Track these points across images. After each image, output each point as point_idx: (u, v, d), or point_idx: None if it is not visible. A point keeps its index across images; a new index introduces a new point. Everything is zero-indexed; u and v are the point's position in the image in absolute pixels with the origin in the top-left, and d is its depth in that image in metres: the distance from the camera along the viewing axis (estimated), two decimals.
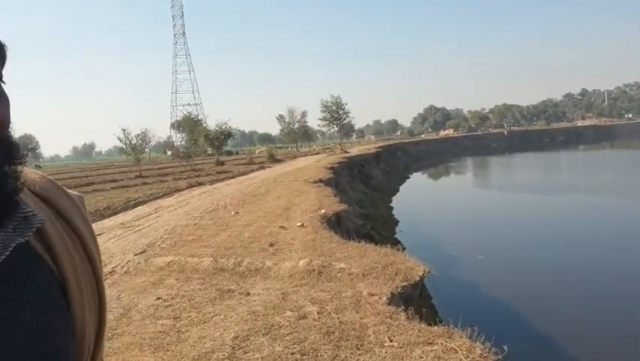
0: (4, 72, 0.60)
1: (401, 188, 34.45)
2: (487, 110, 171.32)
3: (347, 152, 44.74)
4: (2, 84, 0.60)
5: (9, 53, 0.59)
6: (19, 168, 0.61)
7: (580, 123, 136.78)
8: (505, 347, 3.65)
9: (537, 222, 19.03)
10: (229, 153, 69.02)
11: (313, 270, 5.66)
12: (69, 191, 0.74)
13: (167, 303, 5.13)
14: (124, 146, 35.58)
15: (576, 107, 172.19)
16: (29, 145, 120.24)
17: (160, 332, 4.29)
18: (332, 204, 11.42)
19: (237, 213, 11.10)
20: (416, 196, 31.43)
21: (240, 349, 3.78)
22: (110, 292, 5.47)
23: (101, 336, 0.70)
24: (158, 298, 5.32)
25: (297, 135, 76.05)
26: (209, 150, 55.47)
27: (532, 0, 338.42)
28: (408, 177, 43.12)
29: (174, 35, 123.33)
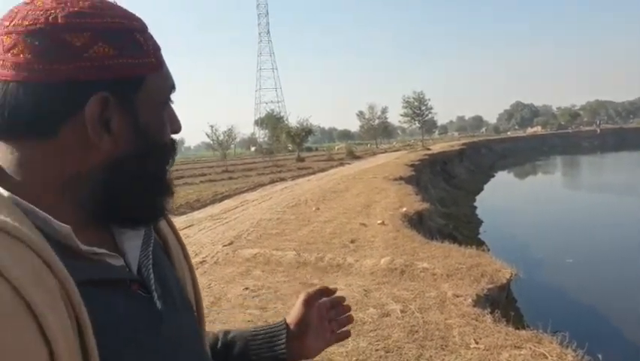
0: None
1: (485, 187, 33.37)
2: (577, 107, 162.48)
3: (429, 149, 44.00)
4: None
5: None
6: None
7: None
8: (600, 356, 3.50)
9: (632, 227, 17.81)
10: (309, 149, 69.98)
11: (395, 268, 5.66)
12: None
13: (254, 293, 5.34)
14: (211, 142, 37.01)
15: None
16: None
17: (248, 321, 4.48)
18: (413, 202, 11.31)
19: (318, 208, 11.27)
20: (501, 196, 30.33)
21: None
22: (201, 281, 5.77)
23: (197, 288, 0.84)
24: (246, 289, 5.54)
25: (377, 132, 75.71)
26: (290, 147, 56.55)
27: None
28: (493, 176, 41.69)
29: (259, 34, 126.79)
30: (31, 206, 0.57)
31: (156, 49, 0.66)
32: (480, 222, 19.61)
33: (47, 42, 0.57)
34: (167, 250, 0.80)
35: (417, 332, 3.93)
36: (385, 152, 51.27)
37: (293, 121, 49.55)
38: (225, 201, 15.60)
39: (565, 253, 13.88)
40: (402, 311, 4.37)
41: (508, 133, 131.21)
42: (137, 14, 0.66)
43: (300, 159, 40.32)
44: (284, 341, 0.93)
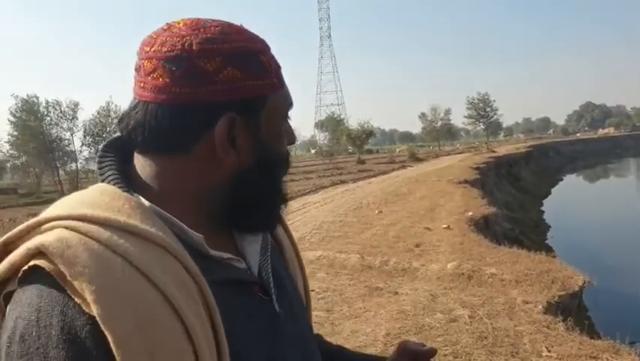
0: None
1: (553, 190, 32.14)
2: None
3: (494, 151, 42.84)
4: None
5: None
6: None
7: None
8: None
9: None
10: (369, 151, 69.71)
11: (462, 273, 5.60)
12: None
13: (320, 296, 5.43)
14: None
15: None
16: None
17: (315, 323, 4.54)
18: (479, 206, 11.09)
19: (380, 212, 11.26)
20: (570, 200, 29.11)
21: (392, 346, 3.90)
22: None
23: (307, 288, 0.92)
24: (312, 290, 5.63)
25: (440, 134, 74.33)
26: (350, 149, 56.57)
27: None
28: (561, 179, 40.08)
29: (320, 38, 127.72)
30: (170, 215, 0.65)
31: (277, 68, 0.72)
32: (547, 227, 18.93)
33: (183, 67, 0.64)
34: (282, 251, 0.87)
35: (486, 338, 3.88)
36: (449, 154, 50.34)
37: (353, 123, 49.44)
38: (287, 203, 15.78)
39: (636, 262, 13.17)
40: (470, 317, 4.33)
41: (578, 135, 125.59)
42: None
43: (361, 162, 40.27)
44: None
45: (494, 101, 58.00)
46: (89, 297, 0.52)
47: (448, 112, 72.48)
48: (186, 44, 0.65)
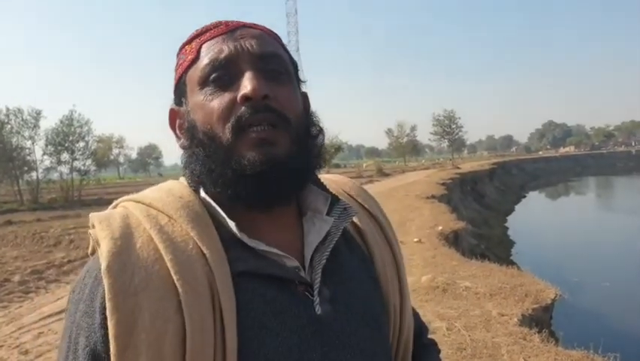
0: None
1: (516, 207, 32.88)
2: (612, 127, 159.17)
3: (458, 167, 43.63)
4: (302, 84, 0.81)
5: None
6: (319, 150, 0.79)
7: None
8: None
9: None
10: (337, 166, 70.02)
11: (437, 286, 5.66)
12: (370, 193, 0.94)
13: None
14: None
15: None
16: (153, 154, 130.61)
17: None
18: (448, 220, 11.26)
19: None
20: (533, 217, 29.83)
21: None
22: None
23: (404, 306, 0.85)
24: None
25: (406, 149, 75.46)
26: None
27: None
28: (524, 196, 41.06)
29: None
30: (214, 205, 0.71)
31: (200, 44, 0.76)
32: (512, 243, 19.32)
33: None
34: (373, 263, 0.82)
35: (465, 349, 3.92)
36: (415, 170, 50.98)
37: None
38: None
39: (600, 276, 13.57)
40: (448, 329, 4.37)
41: (540, 153, 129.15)
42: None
43: None
44: None
45: (459, 118, 59.22)
46: (102, 255, 0.63)
47: (413, 128, 73.87)
48: None
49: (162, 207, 0.69)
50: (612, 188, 50.15)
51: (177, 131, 0.79)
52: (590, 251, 18.18)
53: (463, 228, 10.92)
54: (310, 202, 0.79)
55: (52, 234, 12.27)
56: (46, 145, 27.83)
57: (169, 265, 0.62)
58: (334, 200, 0.80)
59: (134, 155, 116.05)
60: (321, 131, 0.79)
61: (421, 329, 0.96)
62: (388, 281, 0.82)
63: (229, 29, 0.75)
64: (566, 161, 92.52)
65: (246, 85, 0.69)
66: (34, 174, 28.16)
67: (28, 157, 28.45)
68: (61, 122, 28.09)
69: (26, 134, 27.68)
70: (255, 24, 0.78)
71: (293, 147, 0.71)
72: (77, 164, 28.11)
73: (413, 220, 11.51)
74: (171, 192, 0.73)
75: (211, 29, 0.76)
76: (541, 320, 4.98)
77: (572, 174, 69.41)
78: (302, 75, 0.82)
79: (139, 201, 0.72)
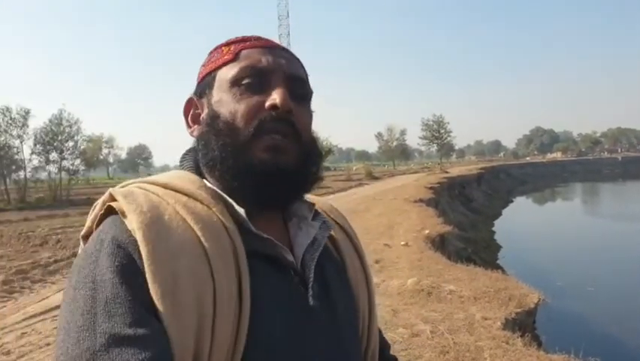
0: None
1: (504, 212, 33.09)
2: (599, 134, 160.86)
3: (447, 172, 43.85)
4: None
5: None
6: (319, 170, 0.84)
7: None
8: None
9: None
10: (327, 168, 69.91)
11: (422, 290, 5.70)
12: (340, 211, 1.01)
13: None
14: None
15: None
16: (142, 155, 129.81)
17: None
18: (435, 224, 11.33)
19: None
20: (520, 221, 30.03)
21: None
22: None
23: (372, 314, 0.91)
24: None
25: (395, 153, 75.67)
26: None
27: None
28: (511, 201, 41.32)
29: None
30: (223, 193, 0.75)
31: (239, 48, 0.82)
32: (498, 248, 19.45)
33: None
34: (345, 270, 0.89)
35: (448, 352, 3.96)
36: (404, 173, 51.19)
37: None
38: None
39: (585, 280, 13.71)
40: (431, 332, 4.41)
41: (528, 158, 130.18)
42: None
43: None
44: None
45: (448, 123, 59.49)
46: (135, 226, 0.65)
47: (403, 132, 74.10)
48: None
49: (181, 187, 0.74)
50: (598, 194, 50.64)
51: (189, 120, 0.85)
52: (575, 256, 18.35)
53: (449, 232, 11.00)
54: (295, 209, 0.84)
55: (39, 233, 12.16)
56: (35, 144, 27.57)
57: (199, 233, 0.67)
58: (316, 212, 0.86)
59: (123, 155, 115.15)
60: (321, 155, 0.86)
61: (384, 344, 1.01)
62: (359, 289, 0.89)
63: (269, 45, 0.83)
64: (553, 167, 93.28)
65: (276, 97, 0.76)
66: (21, 174, 27.87)
67: (16, 156, 28.15)
68: (50, 121, 27.87)
69: (14, 133, 27.42)
70: (288, 50, 0.86)
71: (300, 160, 0.77)
72: (66, 163, 27.83)
73: (401, 224, 11.57)
74: (182, 177, 0.77)
75: (252, 40, 0.83)
76: (524, 323, 5.04)
77: (559, 180, 70.01)
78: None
79: (153, 183, 0.76)
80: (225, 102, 0.78)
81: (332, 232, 0.89)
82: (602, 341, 8.96)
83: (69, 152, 28.16)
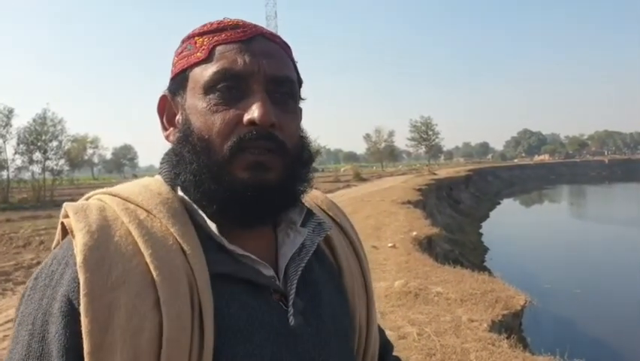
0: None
1: (491, 214, 33.30)
2: (586, 137, 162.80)
3: (435, 173, 44.02)
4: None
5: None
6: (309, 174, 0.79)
7: None
8: None
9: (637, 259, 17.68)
10: (315, 170, 69.87)
11: (409, 292, 5.68)
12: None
13: None
14: None
15: None
16: (128, 155, 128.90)
17: None
18: (423, 226, 11.35)
19: None
20: (507, 223, 30.23)
21: None
22: None
23: (371, 320, 0.86)
24: None
25: (383, 155, 75.96)
26: None
27: None
28: (499, 203, 41.58)
29: None
30: (194, 206, 0.70)
31: (214, 44, 0.73)
32: (486, 250, 19.56)
33: None
34: (341, 275, 0.83)
35: (434, 355, 3.94)
36: (392, 175, 51.27)
37: None
38: None
39: (571, 283, 13.82)
40: (418, 334, 4.39)
41: (515, 160, 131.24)
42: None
43: None
44: None
45: (436, 125, 59.87)
46: (78, 249, 0.60)
47: (391, 134, 74.47)
48: None
49: (140, 201, 0.68)
50: (585, 197, 51.15)
51: (164, 121, 0.78)
52: (562, 258, 18.50)
53: (437, 233, 11.02)
54: (285, 213, 0.78)
55: (22, 235, 12.01)
56: (18, 144, 27.26)
57: (148, 259, 0.61)
58: (309, 213, 0.80)
59: (108, 155, 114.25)
60: (311, 156, 0.79)
61: (386, 346, 0.97)
62: (355, 295, 0.83)
63: (247, 37, 0.73)
64: (541, 169, 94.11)
65: (255, 110, 0.68)
66: (4, 174, 27.54)
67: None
68: (34, 120, 27.57)
69: None
70: (272, 34, 0.77)
71: (285, 172, 0.71)
72: (50, 163, 27.61)
73: (388, 225, 11.56)
74: (148, 188, 0.72)
75: (227, 30, 0.73)
76: (510, 325, 5.04)
77: (546, 182, 70.64)
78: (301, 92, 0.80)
79: (115, 195, 0.70)
80: (200, 112, 0.70)
81: (329, 233, 0.82)
82: (587, 342, 9.03)
83: (53, 152, 27.96)
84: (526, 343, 4.25)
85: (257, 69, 0.70)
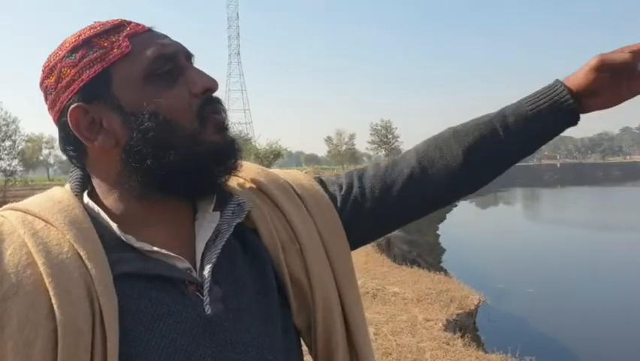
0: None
1: (448, 215, 33.96)
2: None
3: None
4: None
5: None
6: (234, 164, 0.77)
7: (639, 158, 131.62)
8: None
9: (591, 260, 18.37)
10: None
11: (367, 292, 5.73)
12: (283, 173, 0.91)
13: None
14: None
15: (634, 142, 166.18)
16: None
17: None
18: None
19: None
20: (463, 225, 30.89)
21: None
22: None
23: (345, 301, 0.84)
24: None
25: (344, 158, 76.33)
26: None
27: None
28: (455, 205, 42.43)
29: (229, 55, 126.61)
30: (99, 210, 0.72)
31: (127, 37, 0.72)
32: (442, 251, 19.93)
33: (42, 91, 0.76)
34: (260, 237, 0.79)
35: (390, 354, 3.99)
36: None
37: (262, 143, 49.45)
38: None
39: (525, 282, 14.21)
40: (375, 334, 4.43)
41: None
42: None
43: None
44: (564, 89, 0.88)
45: (396, 128, 60.67)
46: None
47: (352, 137, 74.77)
48: (41, 72, 0.75)
49: (39, 212, 0.69)
50: (538, 199, 52.79)
51: (85, 131, 0.72)
52: (517, 259, 19.01)
53: (395, 235, 11.15)
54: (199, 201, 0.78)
55: None
56: None
57: (41, 268, 0.62)
58: (228, 196, 0.78)
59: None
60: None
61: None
62: (277, 241, 0.79)
63: (147, 27, 0.76)
64: None
65: (202, 79, 0.74)
66: None
67: None
68: None
69: None
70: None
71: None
72: (2, 164, 26.67)
73: None
74: (51, 198, 0.73)
75: (126, 26, 0.73)
76: (465, 324, 5.15)
77: (501, 185, 72.34)
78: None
79: (17, 209, 0.72)
80: (149, 100, 0.69)
81: (252, 212, 0.79)
82: (538, 340, 9.30)
83: (6, 152, 27.02)
84: (479, 341, 4.34)
85: (177, 48, 0.75)
